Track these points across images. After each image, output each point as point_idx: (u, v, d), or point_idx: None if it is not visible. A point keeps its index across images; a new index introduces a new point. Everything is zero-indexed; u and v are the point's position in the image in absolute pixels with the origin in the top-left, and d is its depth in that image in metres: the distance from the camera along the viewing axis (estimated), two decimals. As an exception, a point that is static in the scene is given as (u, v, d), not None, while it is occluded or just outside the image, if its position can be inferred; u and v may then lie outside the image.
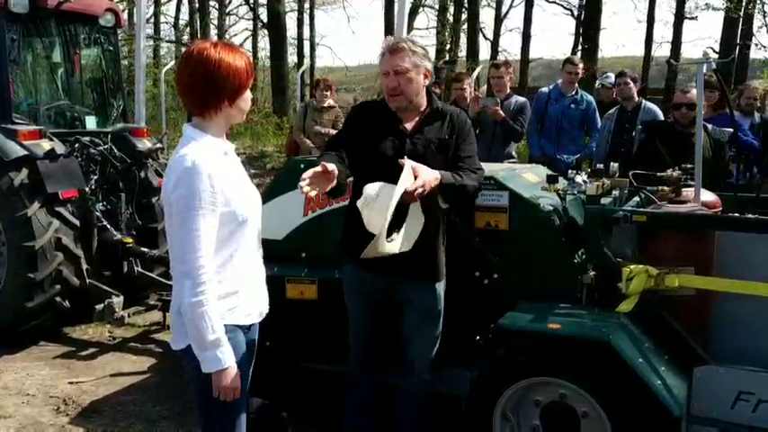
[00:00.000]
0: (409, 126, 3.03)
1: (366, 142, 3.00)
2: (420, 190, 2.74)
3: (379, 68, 3.06)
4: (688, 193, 3.31)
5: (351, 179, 2.98)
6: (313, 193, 2.59)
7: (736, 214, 3.33)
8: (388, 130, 3.01)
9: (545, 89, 6.63)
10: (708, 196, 3.36)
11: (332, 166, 2.62)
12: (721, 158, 4.73)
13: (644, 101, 6.22)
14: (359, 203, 2.74)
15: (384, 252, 2.75)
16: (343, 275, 3.20)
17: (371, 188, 2.75)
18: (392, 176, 2.76)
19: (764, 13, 18.86)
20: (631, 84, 6.10)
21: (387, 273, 2.97)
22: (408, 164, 2.76)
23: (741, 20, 17.68)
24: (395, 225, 2.76)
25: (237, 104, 2.24)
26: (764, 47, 19.37)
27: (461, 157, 3.04)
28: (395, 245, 2.79)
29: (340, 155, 2.92)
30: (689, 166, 3.36)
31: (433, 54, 24.15)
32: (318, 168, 2.58)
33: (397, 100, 2.99)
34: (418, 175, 2.76)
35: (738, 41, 17.25)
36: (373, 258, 2.80)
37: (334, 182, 2.67)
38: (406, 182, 2.70)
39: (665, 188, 3.41)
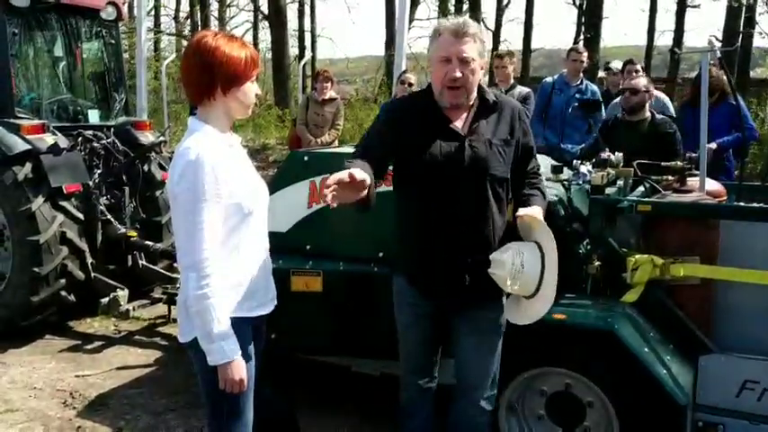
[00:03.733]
0: (460, 124, 2.56)
1: (414, 146, 2.51)
2: None
3: (430, 53, 2.55)
4: (693, 182, 3.31)
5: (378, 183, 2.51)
6: (335, 205, 2.14)
7: (741, 203, 3.33)
8: (437, 131, 2.53)
9: (549, 79, 6.61)
10: (712, 186, 3.35)
11: (361, 175, 2.19)
12: (667, 148, 4.42)
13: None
14: (508, 286, 2.43)
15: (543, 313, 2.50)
16: (394, 288, 2.75)
17: (509, 258, 2.43)
18: (447, 185, 2.49)
19: (766, 0, 18.73)
20: (641, 72, 6.06)
21: (444, 297, 2.61)
22: (534, 213, 2.48)
23: (744, 8, 17.57)
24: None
25: (234, 95, 2.21)
26: (767, 35, 19.26)
27: (531, 163, 2.70)
28: (546, 301, 2.49)
29: (371, 161, 2.40)
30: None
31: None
32: (344, 176, 2.14)
33: (458, 94, 2.50)
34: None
35: (742, 30, 17.15)
36: (429, 281, 2.59)
37: (365, 192, 2.24)
38: (549, 236, 2.44)
39: (670, 178, 3.40)
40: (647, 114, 4.63)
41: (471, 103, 2.59)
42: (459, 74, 2.46)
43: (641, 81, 4.71)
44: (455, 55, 2.46)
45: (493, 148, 2.53)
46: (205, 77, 2.18)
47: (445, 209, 2.53)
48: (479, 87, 2.61)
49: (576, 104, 6.08)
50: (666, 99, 6.17)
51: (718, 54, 3.23)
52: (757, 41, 18.99)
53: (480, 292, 2.57)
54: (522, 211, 2.50)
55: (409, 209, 2.62)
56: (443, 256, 2.54)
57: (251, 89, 2.26)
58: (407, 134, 2.54)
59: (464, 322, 2.64)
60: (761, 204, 3.18)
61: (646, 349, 2.80)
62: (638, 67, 6.12)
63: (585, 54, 6.57)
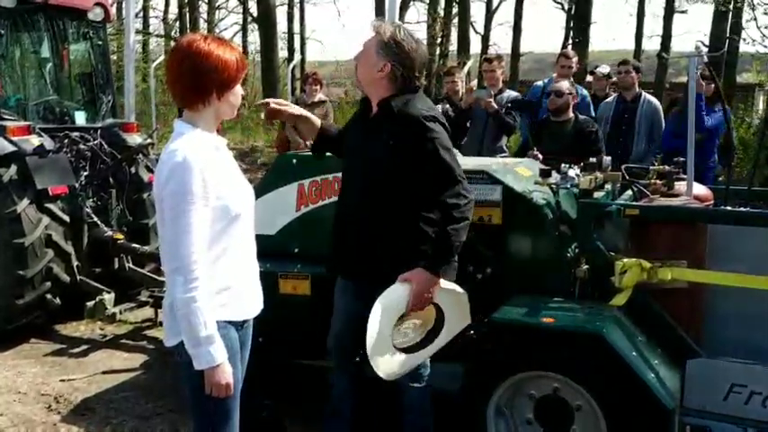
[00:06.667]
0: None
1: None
2: (417, 301, 2.62)
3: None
4: (680, 186, 3.33)
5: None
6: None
7: (728, 207, 3.35)
8: (357, 122, 3.02)
9: (540, 83, 6.63)
10: (700, 189, 3.37)
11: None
12: (590, 146, 4.76)
13: (644, 93, 6.17)
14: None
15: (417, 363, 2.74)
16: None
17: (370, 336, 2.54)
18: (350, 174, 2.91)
19: (753, 6, 18.93)
20: (633, 73, 6.07)
21: (350, 277, 2.96)
22: (389, 290, 2.57)
23: (731, 13, 17.72)
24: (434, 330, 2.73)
25: (227, 98, 2.22)
26: (754, 40, 19.45)
27: (433, 192, 2.70)
28: (426, 351, 2.75)
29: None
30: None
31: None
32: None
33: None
34: (411, 284, 2.61)
35: (728, 35, 17.29)
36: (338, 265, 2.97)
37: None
38: (394, 310, 2.55)
39: (658, 181, 3.42)
40: (571, 115, 5.03)
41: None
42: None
43: (564, 84, 5.10)
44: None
45: (386, 149, 2.83)
46: (199, 83, 2.17)
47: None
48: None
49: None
50: (657, 102, 6.18)
51: (705, 59, 3.24)
52: (744, 47, 19.18)
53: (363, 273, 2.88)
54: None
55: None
56: None
57: (239, 91, 2.27)
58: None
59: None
60: (748, 208, 3.21)
61: (633, 353, 2.80)
62: (631, 67, 6.10)
63: (575, 59, 6.61)
